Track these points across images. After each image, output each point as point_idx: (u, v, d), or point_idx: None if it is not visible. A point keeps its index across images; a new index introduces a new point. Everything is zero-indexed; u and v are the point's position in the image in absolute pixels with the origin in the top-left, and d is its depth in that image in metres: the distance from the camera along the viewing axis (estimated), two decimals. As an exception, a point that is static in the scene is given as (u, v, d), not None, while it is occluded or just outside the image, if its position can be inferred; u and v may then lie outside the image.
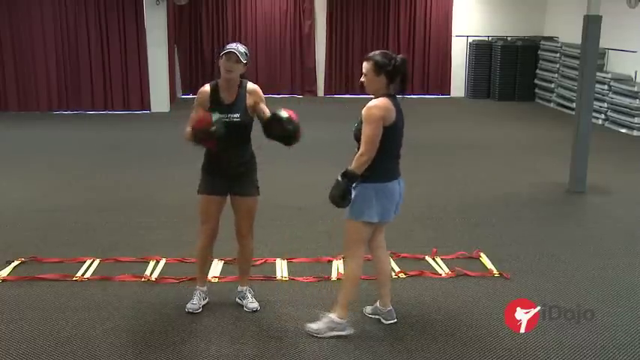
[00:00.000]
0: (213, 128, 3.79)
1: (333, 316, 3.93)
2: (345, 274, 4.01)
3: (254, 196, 4.17)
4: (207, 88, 4.07)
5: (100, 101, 12.90)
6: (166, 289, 4.63)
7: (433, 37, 14.78)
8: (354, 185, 3.73)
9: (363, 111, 3.73)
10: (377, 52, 3.84)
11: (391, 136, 3.75)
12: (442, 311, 4.30)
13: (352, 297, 3.99)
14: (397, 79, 3.78)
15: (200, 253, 4.29)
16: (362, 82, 3.82)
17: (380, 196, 3.79)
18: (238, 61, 3.92)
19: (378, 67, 3.73)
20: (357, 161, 3.71)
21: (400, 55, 3.81)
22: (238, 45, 3.97)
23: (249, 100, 4.04)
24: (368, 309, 4.24)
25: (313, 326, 3.96)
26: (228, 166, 4.04)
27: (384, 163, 3.78)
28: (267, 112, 4.04)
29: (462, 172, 8.11)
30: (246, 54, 3.97)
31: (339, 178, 3.73)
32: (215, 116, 3.84)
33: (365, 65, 3.78)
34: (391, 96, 3.78)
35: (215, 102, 4.00)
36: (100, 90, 12.87)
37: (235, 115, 3.97)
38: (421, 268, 4.93)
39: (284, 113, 3.95)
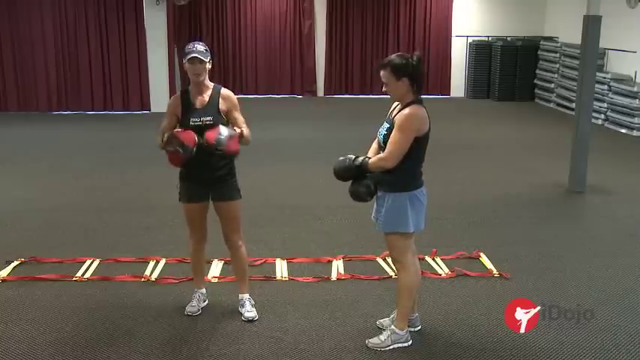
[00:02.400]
0: (189, 147, 3.75)
1: (394, 328, 3.81)
2: (398, 286, 3.80)
3: (236, 200, 4.09)
4: (178, 94, 4.07)
5: (100, 101, 12.91)
6: (166, 289, 4.63)
7: (433, 38, 14.77)
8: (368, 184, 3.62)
9: (399, 118, 3.53)
10: (391, 56, 3.58)
11: (424, 144, 3.63)
12: (442, 311, 4.30)
13: (409, 308, 3.84)
14: (420, 79, 3.57)
15: (193, 256, 4.30)
16: (385, 92, 3.61)
17: (414, 204, 3.65)
18: (202, 62, 3.91)
19: (397, 71, 3.50)
20: (378, 163, 3.56)
21: (416, 53, 3.61)
22: (196, 45, 3.94)
23: (223, 106, 4.01)
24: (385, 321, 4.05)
25: (375, 340, 3.80)
26: (206, 171, 3.97)
27: (416, 170, 3.67)
28: (242, 123, 4.03)
29: (462, 172, 8.10)
30: (206, 51, 3.95)
31: (352, 158, 3.63)
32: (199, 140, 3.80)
33: (383, 73, 3.55)
34: (421, 101, 3.59)
35: (186, 106, 3.98)
36: (99, 90, 12.88)
37: (208, 118, 3.93)
38: (421, 269, 4.90)
39: (224, 131, 3.82)
